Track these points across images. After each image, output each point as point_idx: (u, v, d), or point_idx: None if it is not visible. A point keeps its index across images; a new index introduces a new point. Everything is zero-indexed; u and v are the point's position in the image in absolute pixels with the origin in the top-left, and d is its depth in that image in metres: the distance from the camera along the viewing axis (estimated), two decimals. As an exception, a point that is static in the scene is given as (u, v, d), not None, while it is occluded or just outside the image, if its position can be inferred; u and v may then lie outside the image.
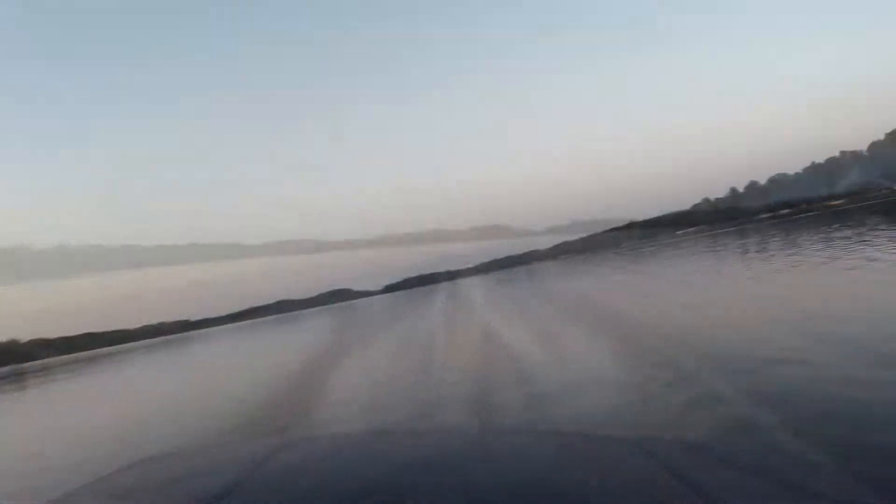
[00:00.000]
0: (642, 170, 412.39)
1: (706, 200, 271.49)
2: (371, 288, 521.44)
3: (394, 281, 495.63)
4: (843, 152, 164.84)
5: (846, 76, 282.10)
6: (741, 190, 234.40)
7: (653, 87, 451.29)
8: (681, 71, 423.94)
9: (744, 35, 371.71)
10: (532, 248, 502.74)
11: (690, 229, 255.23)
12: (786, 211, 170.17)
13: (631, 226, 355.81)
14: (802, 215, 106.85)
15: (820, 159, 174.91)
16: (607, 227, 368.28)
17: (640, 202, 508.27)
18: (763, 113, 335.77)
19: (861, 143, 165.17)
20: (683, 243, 79.99)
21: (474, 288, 65.06)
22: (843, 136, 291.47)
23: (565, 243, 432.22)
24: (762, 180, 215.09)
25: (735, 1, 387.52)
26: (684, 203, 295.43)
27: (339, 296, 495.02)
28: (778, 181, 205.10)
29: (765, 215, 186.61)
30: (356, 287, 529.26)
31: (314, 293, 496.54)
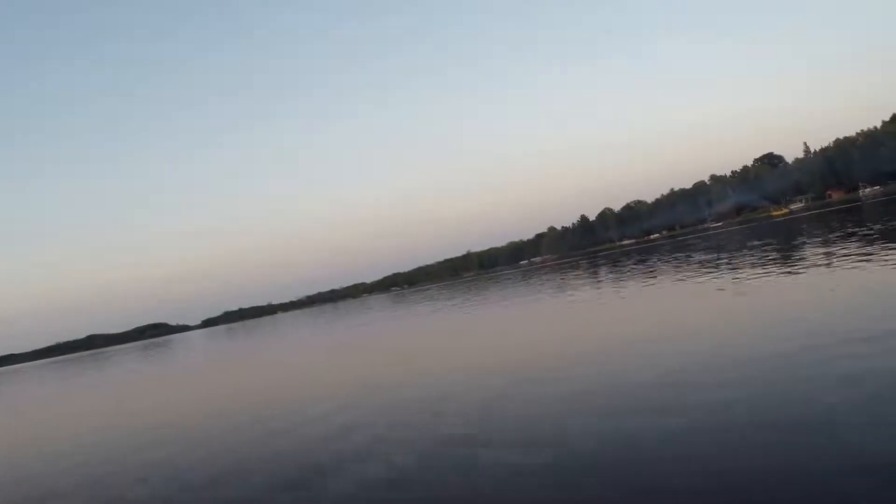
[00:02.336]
0: (477, 204, 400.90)
1: (552, 229, 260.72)
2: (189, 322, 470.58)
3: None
4: (713, 176, 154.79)
5: (711, 104, 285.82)
6: (592, 218, 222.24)
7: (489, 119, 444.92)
8: (520, 97, 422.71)
9: (596, 63, 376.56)
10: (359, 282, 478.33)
11: (536, 259, 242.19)
12: (655, 236, 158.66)
13: (468, 256, 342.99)
14: (669, 240, 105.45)
15: (686, 185, 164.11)
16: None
17: (482, 234, 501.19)
18: (616, 143, 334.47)
19: (726, 170, 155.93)
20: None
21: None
22: (711, 163, 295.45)
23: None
24: (617, 207, 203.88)
25: (585, 25, 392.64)
26: (529, 232, 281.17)
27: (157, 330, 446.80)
28: (634, 208, 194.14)
29: (627, 241, 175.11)
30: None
31: (130, 326, 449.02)
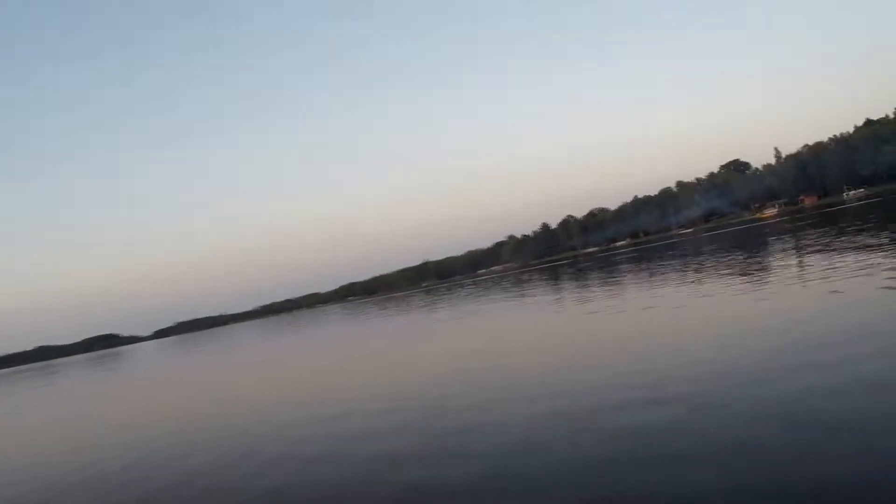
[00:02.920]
0: (433, 214, 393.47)
1: (511, 237, 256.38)
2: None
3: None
4: (680, 183, 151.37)
5: (676, 113, 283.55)
6: (553, 226, 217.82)
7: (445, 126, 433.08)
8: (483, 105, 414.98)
9: (558, 72, 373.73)
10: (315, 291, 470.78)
11: (496, 267, 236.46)
12: (622, 243, 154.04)
13: (425, 265, 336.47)
14: (632, 248, 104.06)
15: (652, 193, 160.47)
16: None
17: (439, 243, 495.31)
18: (579, 152, 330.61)
19: (691, 177, 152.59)
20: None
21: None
22: (676, 171, 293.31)
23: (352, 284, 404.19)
24: (580, 215, 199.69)
25: (552, 30, 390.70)
26: (489, 241, 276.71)
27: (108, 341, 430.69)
28: (597, 216, 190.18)
29: (591, 249, 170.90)
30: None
31: (79, 337, 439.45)
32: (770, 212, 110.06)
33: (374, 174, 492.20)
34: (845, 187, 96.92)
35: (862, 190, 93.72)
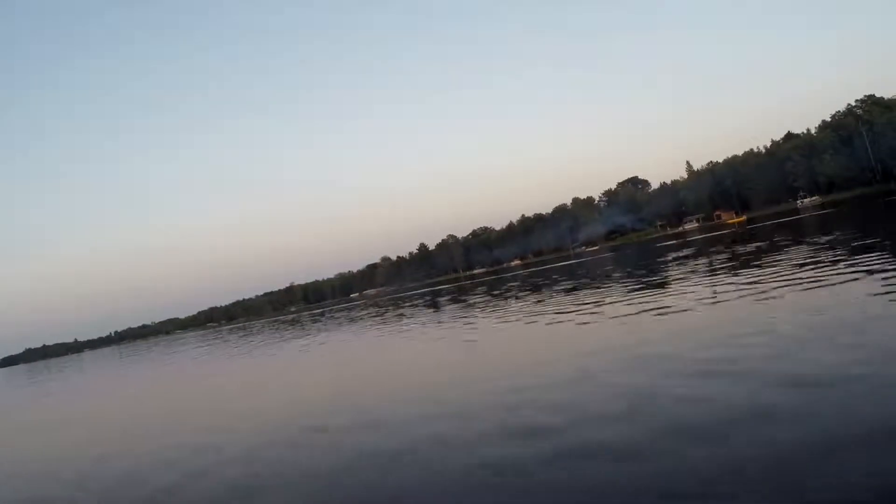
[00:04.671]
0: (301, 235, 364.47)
1: (385, 259, 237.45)
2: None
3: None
4: (575, 199, 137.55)
5: (569, 133, 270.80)
6: (432, 247, 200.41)
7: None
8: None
9: (448, 93, 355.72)
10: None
11: (370, 291, 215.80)
12: (515, 262, 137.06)
13: (292, 289, 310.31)
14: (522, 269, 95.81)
15: (545, 209, 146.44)
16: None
17: (307, 265, 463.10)
18: (464, 174, 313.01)
19: (584, 195, 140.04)
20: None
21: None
22: (570, 190, 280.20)
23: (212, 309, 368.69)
24: (462, 235, 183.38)
25: (437, 49, 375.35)
26: (360, 263, 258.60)
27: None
28: (481, 235, 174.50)
29: (478, 270, 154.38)
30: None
31: None
32: (689, 226, 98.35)
33: (237, 194, 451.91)
34: (801, 194, 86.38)
35: (817, 197, 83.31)
